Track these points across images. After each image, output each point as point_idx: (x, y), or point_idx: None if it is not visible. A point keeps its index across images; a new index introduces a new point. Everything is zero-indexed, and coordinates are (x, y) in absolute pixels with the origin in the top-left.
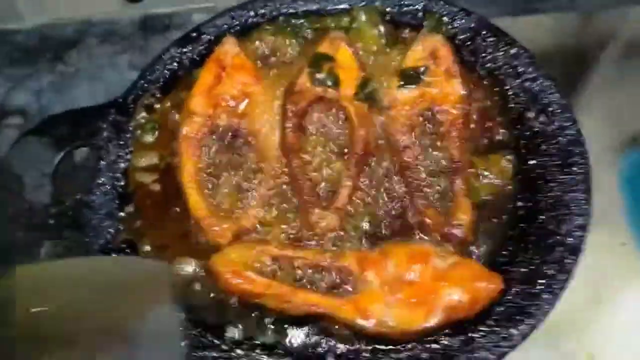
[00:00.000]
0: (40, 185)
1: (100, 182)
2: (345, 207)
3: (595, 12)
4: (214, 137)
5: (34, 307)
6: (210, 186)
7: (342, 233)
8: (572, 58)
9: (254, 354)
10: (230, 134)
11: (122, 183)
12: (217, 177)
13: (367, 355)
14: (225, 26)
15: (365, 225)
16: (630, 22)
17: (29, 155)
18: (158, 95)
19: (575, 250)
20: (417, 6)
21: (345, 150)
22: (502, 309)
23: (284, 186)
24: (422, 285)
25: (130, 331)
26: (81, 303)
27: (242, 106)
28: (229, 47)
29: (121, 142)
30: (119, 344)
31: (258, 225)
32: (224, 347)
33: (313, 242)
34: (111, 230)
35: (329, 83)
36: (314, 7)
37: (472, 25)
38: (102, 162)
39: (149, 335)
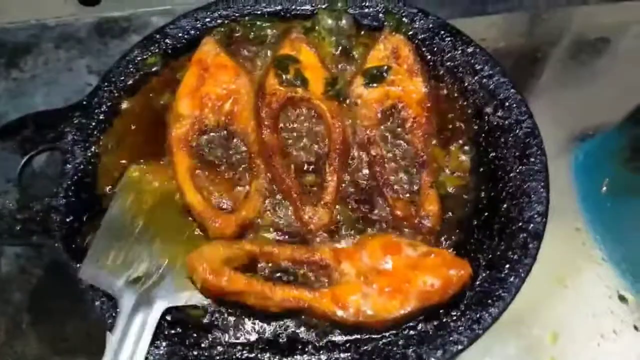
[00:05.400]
0: (5, 191)
1: (67, 185)
2: (334, 200)
3: (542, 12)
4: (205, 136)
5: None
6: (206, 183)
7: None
8: (522, 57)
9: (234, 351)
10: (223, 132)
11: (89, 185)
12: (212, 174)
13: (346, 345)
14: (189, 27)
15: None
16: (575, 22)
17: None
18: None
19: (537, 236)
20: (377, 8)
21: (323, 146)
22: (472, 294)
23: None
24: (397, 275)
25: None
26: None
27: (227, 105)
28: (209, 48)
29: (86, 145)
30: None
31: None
32: (203, 345)
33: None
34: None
35: (298, 83)
36: (277, 7)
37: (431, 25)
38: (68, 166)
39: None
